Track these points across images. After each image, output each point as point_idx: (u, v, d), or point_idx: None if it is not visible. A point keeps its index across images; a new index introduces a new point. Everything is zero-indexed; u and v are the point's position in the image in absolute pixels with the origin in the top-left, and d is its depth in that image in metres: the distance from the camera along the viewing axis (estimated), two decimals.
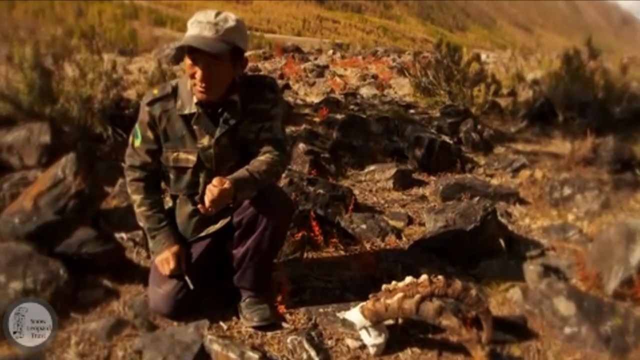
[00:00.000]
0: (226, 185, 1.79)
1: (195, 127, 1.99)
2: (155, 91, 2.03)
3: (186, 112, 1.98)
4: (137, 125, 2.07)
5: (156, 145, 2.04)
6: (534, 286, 2.30)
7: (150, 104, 2.00)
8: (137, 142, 2.06)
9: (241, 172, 1.89)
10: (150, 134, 2.03)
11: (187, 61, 1.88)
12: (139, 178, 2.09)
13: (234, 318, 2.08)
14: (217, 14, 1.86)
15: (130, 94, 5.01)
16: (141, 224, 2.12)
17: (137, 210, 2.10)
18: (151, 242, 2.10)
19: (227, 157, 2.02)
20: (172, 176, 2.08)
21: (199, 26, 1.84)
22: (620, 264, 2.35)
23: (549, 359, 1.96)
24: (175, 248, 2.06)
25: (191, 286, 2.02)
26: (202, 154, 2.00)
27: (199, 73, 1.86)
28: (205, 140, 1.99)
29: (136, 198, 2.09)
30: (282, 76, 10.38)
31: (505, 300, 2.32)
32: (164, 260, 2.04)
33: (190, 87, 1.95)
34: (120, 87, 4.31)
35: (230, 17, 1.88)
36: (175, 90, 2.01)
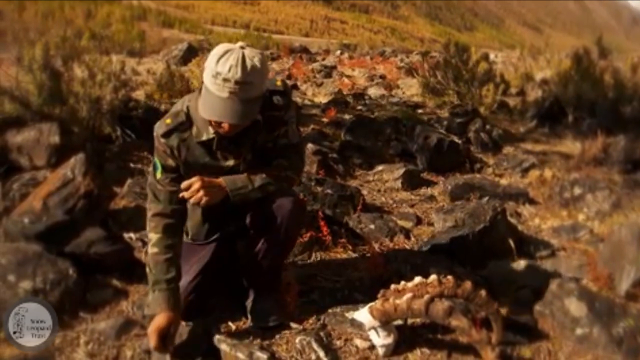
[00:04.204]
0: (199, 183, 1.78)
1: (218, 152, 1.90)
2: (168, 120, 1.88)
3: (204, 138, 1.87)
4: (155, 157, 1.92)
5: (178, 173, 1.92)
6: (545, 287, 2.28)
7: (166, 135, 1.87)
8: (159, 174, 1.91)
9: (239, 175, 1.89)
10: (171, 162, 1.90)
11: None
12: (162, 212, 1.90)
13: (243, 318, 2.08)
14: (244, 66, 1.65)
15: (139, 94, 5.05)
16: (147, 270, 1.89)
17: (150, 250, 1.89)
18: (150, 295, 1.88)
19: (253, 169, 1.94)
20: None
21: (225, 87, 1.66)
22: (632, 264, 2.32)
23: None
24: (169, 317, 1.80)
25: None
26: (228, 173, 1.91)
27: (225, 126, 1.75)
28: (230, 162, 1.92)
29: (152, 237, 1.89)
30: (289, 77, 10.40)
31: (515, 300, 2.29)
32: (153, 332, 1.78)
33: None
34: (129, 88, 4.32)
35: (256, 62, 1.68)
36: (188, 115, 1.88)
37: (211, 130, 1.85)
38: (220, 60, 1.67)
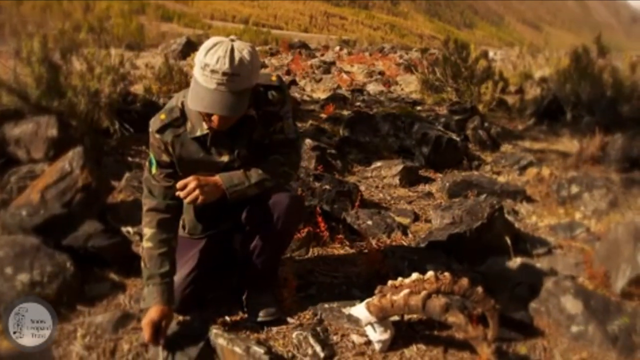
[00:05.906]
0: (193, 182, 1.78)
1: (212, 148, 1.90)
2: (163, 116, 1.88)
3: (198, 134, 1.87)
4: (150, 153, 1.94)
5: (173, 168, 1.92)
6: (541, 284, 2.29)
7: (160, 131, 1.87)
8: (154, 169, 1.92)
9: (235, 172, 1.88)
10: (165, 158, 1.90)
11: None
12: (157, 207, 1.92)
13: (240, 313, 2.08)
14: (231, 57, 1.65)
15: (138, 88, 5.03)
16: (142, 264, 1.91)
17: (144, 245, 1.92)
18: (145, 289, 1.89)
19: (249, 166, 1.93)
20: None
21: (213, 79, 1.65)
22: (628, 262, 2.33)
23: (555, 357, 1.95)
24: (162, 311, 1.83)
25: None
26: (224, 169, 1.91)
27: (215, 119, 1.75)
28: (225, 158, 1.91)
29: (147, 232, 1.92)
30: (288, 72, 10.39)
31: (512, 297, 2.30)
32: (147, 325, 1.81)
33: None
34: (128, 81, 4.31)
35: (245, 54, 1.68)
36: (182, 111, 1.87)
37: (205, 125, 1.84)
38: (209, 52, 1.66)
